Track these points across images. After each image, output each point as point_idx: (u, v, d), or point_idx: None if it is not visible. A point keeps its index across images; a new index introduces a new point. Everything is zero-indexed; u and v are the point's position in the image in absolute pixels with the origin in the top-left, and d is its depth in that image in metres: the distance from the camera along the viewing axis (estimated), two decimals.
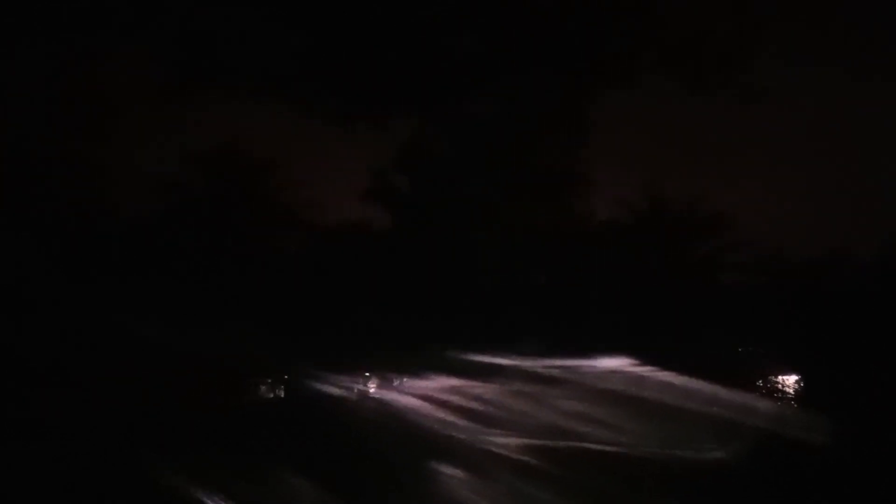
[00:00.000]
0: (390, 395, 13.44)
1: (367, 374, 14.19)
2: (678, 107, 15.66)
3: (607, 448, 10.91)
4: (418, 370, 13.62)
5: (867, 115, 15.72)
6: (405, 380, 13.92)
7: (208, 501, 8.85)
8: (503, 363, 13.45)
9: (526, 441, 11.14)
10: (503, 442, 11.18)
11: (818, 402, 14.12)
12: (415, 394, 13.08)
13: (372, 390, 14.03)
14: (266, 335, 13.29)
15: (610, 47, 15.33)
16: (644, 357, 13.49)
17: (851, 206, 16.18)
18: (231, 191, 16.01)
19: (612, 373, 13.23)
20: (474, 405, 12.62)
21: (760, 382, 15.19)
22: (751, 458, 10.40)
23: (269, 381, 14.54)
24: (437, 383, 13.21)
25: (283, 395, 14.63)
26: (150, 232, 15.14)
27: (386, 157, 15.64)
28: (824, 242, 16.24)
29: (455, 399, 12.81)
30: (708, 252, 16.83)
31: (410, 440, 11.33)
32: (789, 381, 15.29)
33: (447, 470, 10.20)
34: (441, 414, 12.38)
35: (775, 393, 15.10)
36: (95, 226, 14.84)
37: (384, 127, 15.27)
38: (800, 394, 15.13)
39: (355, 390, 13.82)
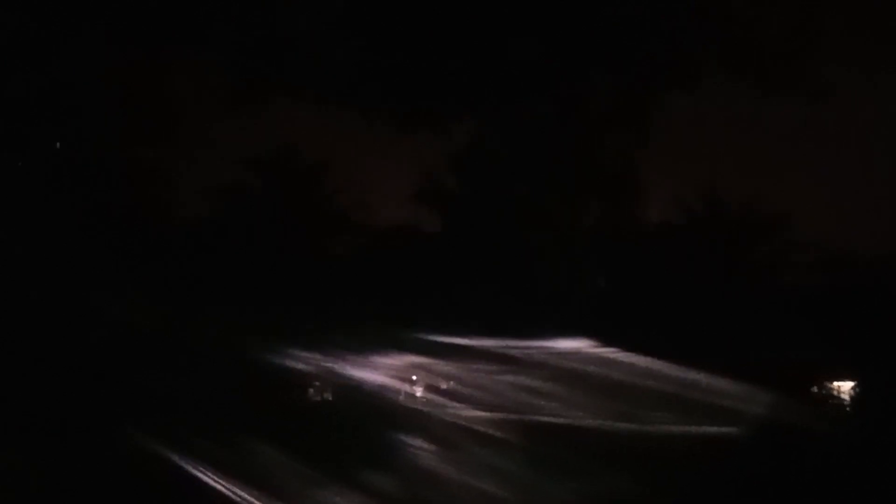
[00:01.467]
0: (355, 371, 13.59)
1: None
2: (736, 106, 15.41)
3: (563, 421, 11.89)
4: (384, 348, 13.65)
5: None
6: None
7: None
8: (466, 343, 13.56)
9: (489, 415, 11.94)
10: (467, 415, 11.96)
11: (875, 409, 13.87)
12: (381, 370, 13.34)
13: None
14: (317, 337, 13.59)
15: (669, 47, 15.11)
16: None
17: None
18: (286, 195, 16.35)
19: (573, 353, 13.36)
20: (439, 382, 13.45)
21: (815, 388, 14.85)
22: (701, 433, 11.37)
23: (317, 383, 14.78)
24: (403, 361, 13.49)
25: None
26: (209, 236, 15.57)
27: (441, 160, 15.78)
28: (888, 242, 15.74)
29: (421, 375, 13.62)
30: (767, 252, 16.49)
31: (378, 414, 12.16)
32: (845, 387, 14.92)
33: (415, 442, 11.06)
34: (407, 389, 13.35)
35: (830, 399, 14.77)
36: (156, 230, 15.32)
37: (440, 129, 15.36)
38: (856, 400, 14.75)
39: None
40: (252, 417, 11.48)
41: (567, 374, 12.86)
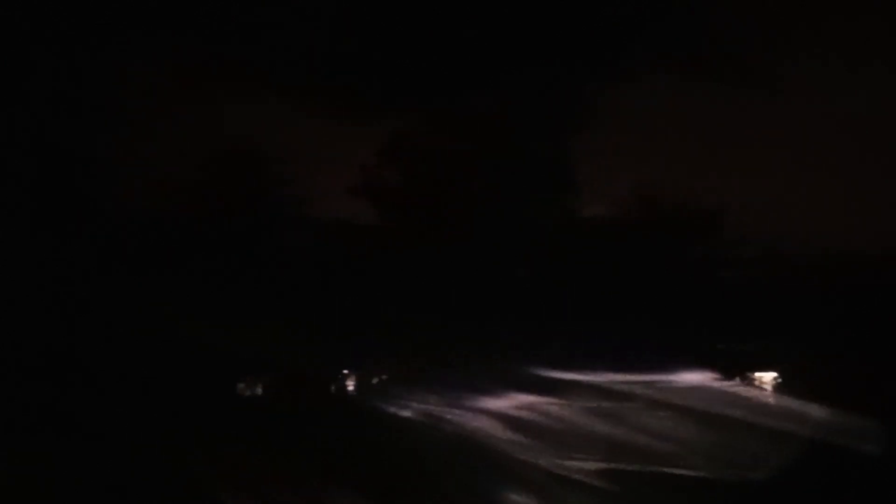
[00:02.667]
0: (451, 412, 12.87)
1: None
2: (674, 103, 15.48)
3: (687, 472, 10.51)
4: (485, 385, 13.30)
5: (869, 111, 15.26)
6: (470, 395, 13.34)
7: None
8: (575, 378, 13.25)
9: (602, 465, 10.72)
10: (572, 465, 10.75)
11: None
12: (481, 411, 12.66)
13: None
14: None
15: (606, 42, 15.21)
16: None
17: (854, 203, 15.74)
18: (231, 187, 16.35)
19: (692, 389, 13.11)
20: (546, 424, 12.24)
21: (738, 379, 15.09)
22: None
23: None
24: (506, 400, 12.89)
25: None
26: (153, 230, 15.59)
27: (378, 152, 15.80)
28: (825, 240, 15.87)
29: (526, 417, 12.48)
30: (703, 249, 16.64)
31: (477, 463, 10.95)
32: (766, 377, 15.16)
33: (518, 498, 9.97)
34: (511, 435, 11.93)
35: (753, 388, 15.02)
36: (101, 224, 15.35)
37: (378, 121, 15.43)
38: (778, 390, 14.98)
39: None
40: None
41: (688, 413, 12.17)
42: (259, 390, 14.05)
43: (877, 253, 15.92)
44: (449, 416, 12.81)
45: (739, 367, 15.19)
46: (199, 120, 15.42)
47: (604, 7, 15.01)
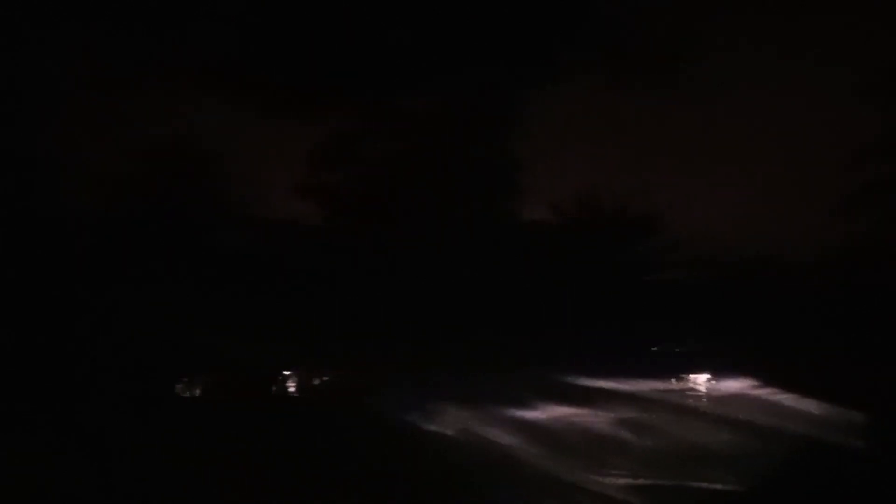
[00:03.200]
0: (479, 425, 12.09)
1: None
2: (612, 107, 15.81)
3: (734, 488, 9.80)
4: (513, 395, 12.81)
5: (803, 118, 15.86)
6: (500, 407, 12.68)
7: None
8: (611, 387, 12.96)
9: (639, 481, 10.04)
10: (612, 482, 10.07)
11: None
12: (511, 423, 12.06)
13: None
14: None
15: (543, 45, 15.46)
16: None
17: (784, 209, 16.30)
18: (172, 185, 16.19)
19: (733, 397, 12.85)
20: (580, 437, 11.61)
21: (673, 381, 15.48)
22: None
23: None
24: (538, 412, 12.40)
25: None
26: (94, 228, 15.34)
27: (322, 153, 15.79)
28: (756, 244, 16.42)
29: (559, 429, 11.88)
30: (640, 252, 17.02)
31: (509, 481, 10.26)
32: (700, 379, 15.59)
33: None
34: (542, 449, 11.18)
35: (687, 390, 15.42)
36: (39, 222, 15.05)
37: (321, 122, 15.43)
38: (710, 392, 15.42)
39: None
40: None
41: (730, 423, 11.70)
42: (198, 391, 13.92)
43: (803, 257, 16.57)
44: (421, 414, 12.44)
45: (674, 368, 15.59)
46: (140, 119, 15.27)
47: (544, 12, 15.26)
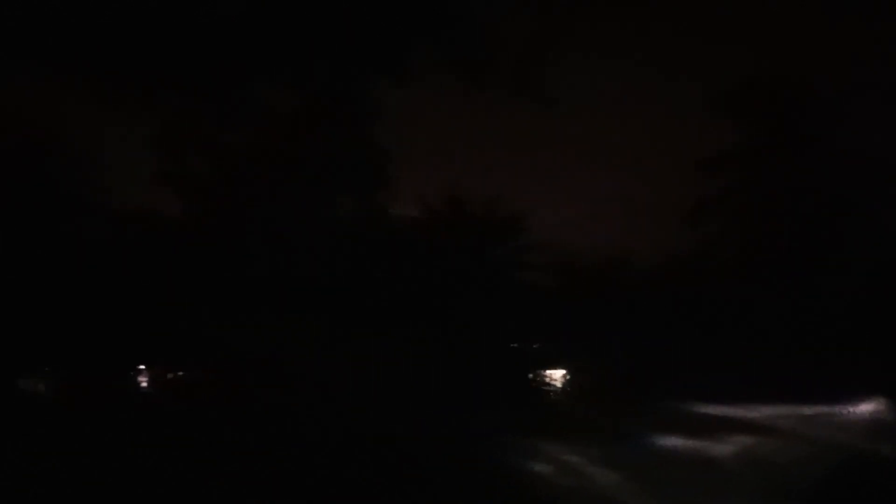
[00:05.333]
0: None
1: None
2: (478, 107, 16.13)
3: None
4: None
5: (656, 128, 16.65)
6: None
7: None
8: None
9: None
10: None
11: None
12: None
13: None
14: None
15: (402, 42, 15.58)
16: None
17: (636, 213, 17.08)
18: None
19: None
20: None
21: (531, 376, 16.03)
22: None
23: None
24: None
25: None
26: None
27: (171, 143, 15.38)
28: (610, 248, 17.15)
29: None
30: (503, 252, 17.47)
31: None
32: (556, 374, 16.20)
33: None
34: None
35: (544, 386, 15.99)
36: None
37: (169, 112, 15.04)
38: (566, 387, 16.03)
39: None
40: None
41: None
42: (42, 388, 13.35)
43: (660, 261, 17.45)
44: None
45: (532, 365, 16.14)
46: None
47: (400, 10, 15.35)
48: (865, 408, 12.17)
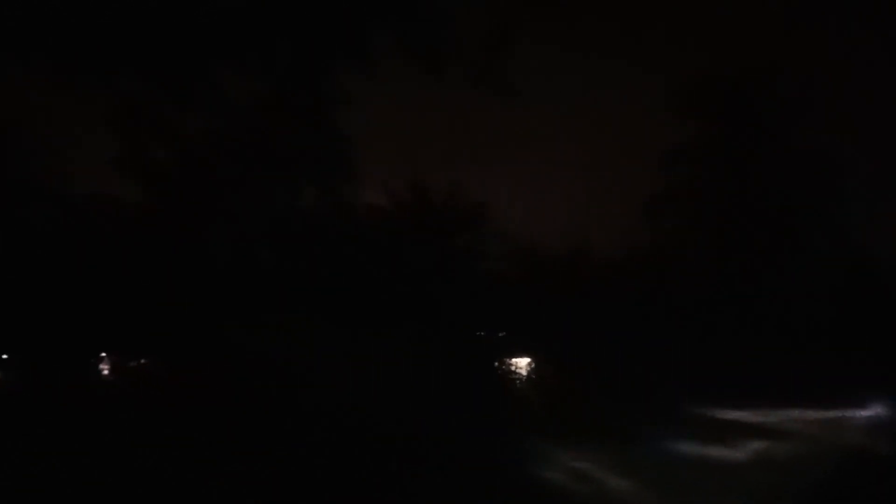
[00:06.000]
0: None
1: None
2: (442, 98, 16.16)
3: None
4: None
5: (617, 118, 16.88)
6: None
7: None
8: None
9: None
10: None
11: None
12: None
13: None
14: None
15: (370, 32, 15.50)
16: None
17: (597, 205, 17.30)
18: None
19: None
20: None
21: (496, 364, 16.12)
22: None
23: None
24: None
25: None
26: None
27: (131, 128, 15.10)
28: (571, 238, 17.33)
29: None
30: (466, 240, 17.55)
31: None
32: (522, 363, 16.31)
33: None
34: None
35: (510, 374, 16.10)
36: None
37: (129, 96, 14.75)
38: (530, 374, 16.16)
39: None
40: None
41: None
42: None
43: (622, 252, 17.69)
44: None
45: (497, 354, 16.23)
46: None
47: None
48: (874, 411, 12.24)
